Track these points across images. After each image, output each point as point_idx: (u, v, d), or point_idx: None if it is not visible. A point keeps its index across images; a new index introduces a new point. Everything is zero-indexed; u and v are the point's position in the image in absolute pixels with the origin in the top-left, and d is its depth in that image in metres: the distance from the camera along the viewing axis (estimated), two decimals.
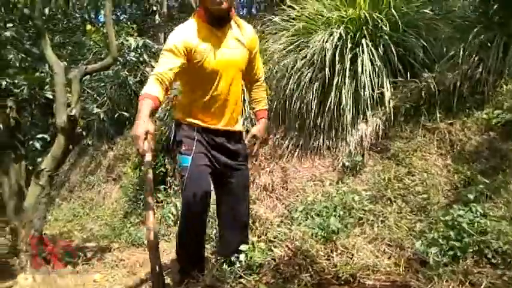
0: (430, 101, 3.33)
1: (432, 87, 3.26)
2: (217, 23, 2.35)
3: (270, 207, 3.58)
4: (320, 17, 4.00)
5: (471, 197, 2.53)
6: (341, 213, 2.90)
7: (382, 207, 2.93)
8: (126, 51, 4.60)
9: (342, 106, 3.59)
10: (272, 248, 2.65)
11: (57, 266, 3.38)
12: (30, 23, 4.07)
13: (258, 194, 3.75)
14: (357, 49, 3.62)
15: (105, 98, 6.90)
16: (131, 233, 4.42)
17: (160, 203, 4.73)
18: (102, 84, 7.04)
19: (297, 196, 3.50)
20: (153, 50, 5.09)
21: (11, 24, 4.10)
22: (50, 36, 4.02)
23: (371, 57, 3.55)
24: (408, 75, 3.54)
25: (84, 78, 4.01)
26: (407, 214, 2.82)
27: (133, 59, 4.64)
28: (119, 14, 9.08)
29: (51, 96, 3.73)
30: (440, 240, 2.26)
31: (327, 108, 3.66)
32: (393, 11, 3.59)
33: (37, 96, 3.77)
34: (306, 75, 3.82)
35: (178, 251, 2.60)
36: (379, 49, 3.59)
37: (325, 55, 3.65)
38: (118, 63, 4.29)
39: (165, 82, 2.24)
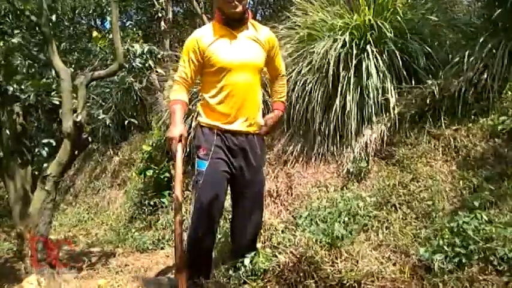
0: (435, 108, 3.33)
1: (437, 93, 3.26)
2: (233, 24, 2.44)
3: (275, 213, 3.58)
4: (324, 23, 4.01)
5: (476, 203, 2.52)
6: (346, 219, 2.90)
7: (387, 214, 2.92)
8: (132, 57, 4.62)
9: (346, 112, 3.60)
10: (277, 254, 2.65)
11: (59, 266, 3.39)
12: (37, 29, 4.11)
13: None
14: (362, 55, 3.63)
15: (111, 104, 6.96)
16: (136, 238, 4.43)
17: (165, 208, 4.74)
18: (108, 90, 7.10)
19: (302, 202, 3.50)
20: (158, 56, 5.11)
21: (18, 31, 4.15)
22: (57, 43, 4.05)
23: (375, 63, 3.56)
24: (413, 82, 3.55)
25: (90, 84, 4.04)
26: (412, 220, 2.81)
27: (139, 65, 4.66)
28: (124, 20, 9.16)
29: (57, 102, 3.75)
30: (445, 247, 2.25)
31: (331, 115, 3.66)
32: (398, 17, 3.60)
33: (43, 102, 3.79)
34: (311, 82, 3.83)
35: (185, 256, 2.61)
36: (384, 55, 3.60)
37: (329, 61, 3.66)
38: (123, 69, 4.31)
39: (187, 86, 2.46)
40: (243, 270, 2.48)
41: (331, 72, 3.63)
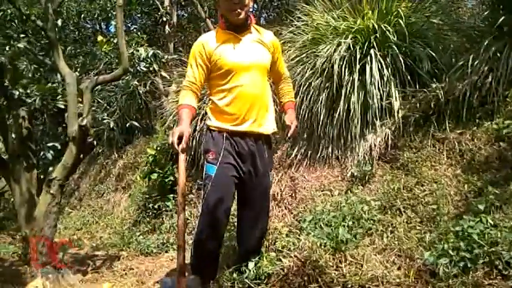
0: (439, 111, 3.32)
1: (441, 97, 3.25)
2: (236, 29, 2.49)
3: (279, 216, 3.58)
4: (328, 27, 4.02)
5: (481, 207, 2.51)
6: (350, 223, 2.89)
7: (392, 218, 2.91)
8: (137, 61, 4.64)
9: (350, 116, 3.60)
10: (281, 258, 2.65)
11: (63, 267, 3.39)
12: (43, 34, 4.14)
13: None
14: (365, 59, 3.63)
15: (115, 107, 6.99)
16: (140, 241, 4.43)
17: (170, 212, 4.75)
18: (113, 93, 7.13)
19: (306, 206, 3.49)
20: (163, 60, 5.14)
21: (23, 36, 4.19)
22: (62, 47, 4.08)
23: (379, 67, 3.55)
24: (417, 85, 3.54)
25: (95, 88, 4.06)
26: (417, 224, 2.80)
27: (144, 69, 4.68)
28: (129, 24, 9.21)
29: (63, 106, 3.78)
30: (450, 251, 2.25)
31: (335, 118, 3.66)
32: (401, 21, 3.60)
33: (49, 106, 3.82)
34: (315, 85, 3.83)
35: (191, 260, 2.62)
36: (388, 59, 3.60)
37: (333, 65, 3.66)
38: (128, 73, 4.34)
39: (196, 90, 2.49)
40: (247, 274, 2.48)
41: (335, 75, 3.64)
